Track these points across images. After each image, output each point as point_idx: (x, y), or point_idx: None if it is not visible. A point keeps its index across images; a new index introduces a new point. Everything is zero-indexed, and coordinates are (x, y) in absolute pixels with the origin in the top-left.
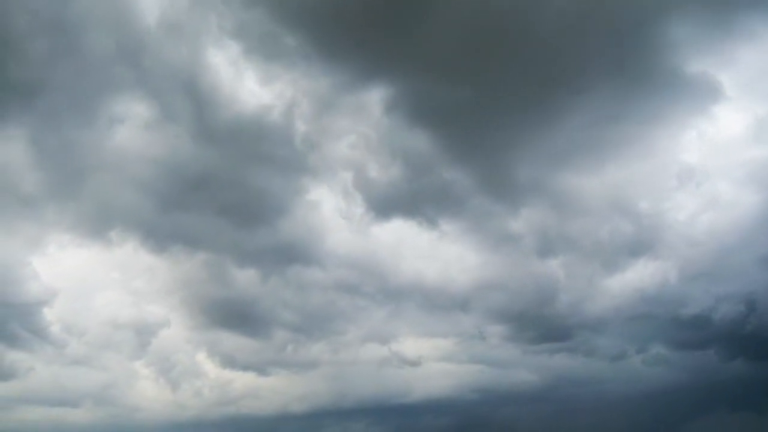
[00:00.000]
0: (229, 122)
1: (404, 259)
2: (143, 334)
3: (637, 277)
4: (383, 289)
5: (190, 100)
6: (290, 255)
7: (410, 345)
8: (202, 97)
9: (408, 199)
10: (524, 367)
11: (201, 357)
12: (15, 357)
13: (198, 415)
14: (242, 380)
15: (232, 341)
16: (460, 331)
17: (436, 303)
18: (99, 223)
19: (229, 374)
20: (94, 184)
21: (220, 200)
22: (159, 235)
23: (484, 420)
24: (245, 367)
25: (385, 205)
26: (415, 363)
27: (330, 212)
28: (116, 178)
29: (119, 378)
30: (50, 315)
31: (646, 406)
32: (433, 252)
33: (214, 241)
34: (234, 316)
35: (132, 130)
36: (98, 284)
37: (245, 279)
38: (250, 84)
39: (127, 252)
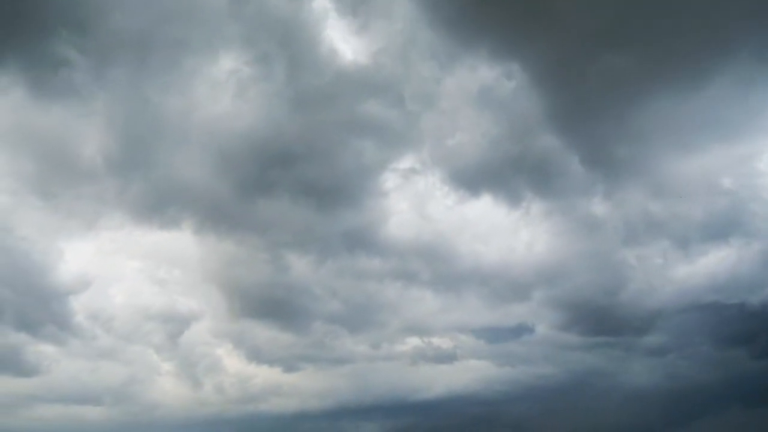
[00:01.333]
0: (326, 84)
1: (476, 241)
2: (174, 326)
3: (713, 263)
4: (443, 277)
5: (288, 57)
6: (355, 240)
7: (453, 338)
8: (301, 54)
9: (496, 171)
10: (553, 361)
11: (228, 351)
12: (39, 350)
13: (216, 413)
14: (265, 376)
15: (265, 334)
16: (510, 323)
17: (498, 291)
18: (158, 204)
19: (253, 369)
20: (163, 158)
21: (301, 179)
22: (222, 219)
23: (493, 417)
24: (272, 362)
25: (470, 178)
26: (450, 358)
27: (409, 189)
28: (192, 151)
29: (142, 373)
30: (78, 304)
31: (659, 402)
32: (509, 234)
33: (281, 226)
34: (275, 306)
35: (219, 93)
36: (137, 271)
37: (300, 267)
38: (349, 41)
39: (179, 236)
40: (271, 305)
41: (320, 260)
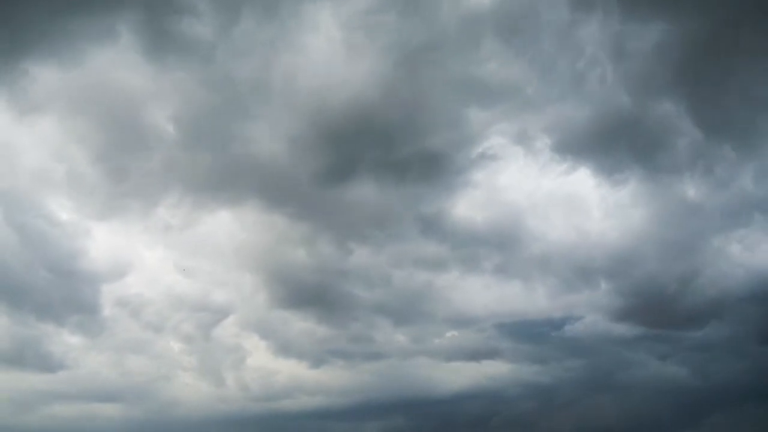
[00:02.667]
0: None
1: (557, 221)
2: (206, 317)
3: None
4: (511, 263)
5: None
6: (430, 223)
7: (494, 331)
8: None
9: (601, 140)
10: (587, 355)
11: (256, 344)
12: (65, 341)
13: (233, 411)
14: (290, 372)
15: (299, 326)
16: (565, 314)
17: (567, 278)
18: (225, 181)
19: (278, 364)
20: (247, 128)
21: (392, 156)
22: (292, 199)
23: (502, 413)
24: (300, 357)
25: (573, 149)
26: (481, 355)
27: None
28: (283, 121)
29: (166, 368)
30: (111, 292)
31: (675, 399)
32: (594, 213)
33: (356, 208)
34: (319, 296)
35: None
36: (178, 255)
37: (361, 253)
38: None
39: (235, 218)
40: (315, 294)
41: (384, 246)
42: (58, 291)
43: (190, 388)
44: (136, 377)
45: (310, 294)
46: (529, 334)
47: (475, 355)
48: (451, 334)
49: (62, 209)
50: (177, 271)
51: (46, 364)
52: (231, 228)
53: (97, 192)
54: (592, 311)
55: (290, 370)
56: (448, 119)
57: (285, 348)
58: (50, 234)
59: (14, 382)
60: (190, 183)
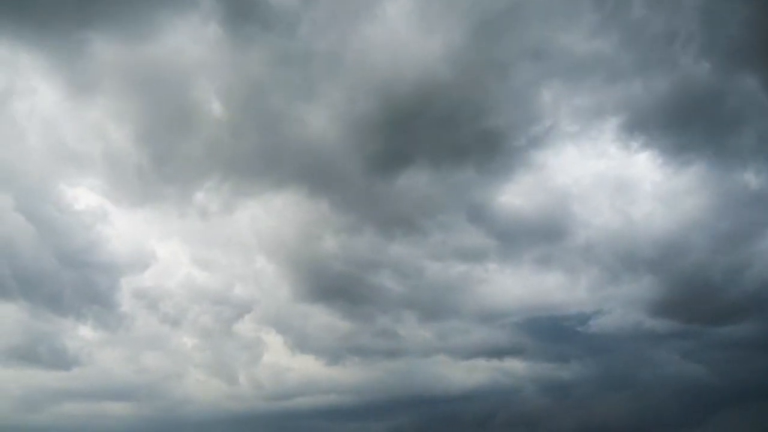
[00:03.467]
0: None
1: (609, 208)
2: (227, 311)
3: None
4: (554, 253)
5: None
6: (479, 211)
7: (517, 327)
8: None
9: (668, 116)
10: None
11: (273, 339)
12: (81, 336)
13: (243, 409)
14: (305, 369)
15: (321, 321)
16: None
17: (611, 268)
18: (266, 166)
19: (293, 361)
20: (296, 107)
21: (454, 141)
22: (338, 186)
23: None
24: (318, 353)
25: (640, 128)
26: (502, 351)
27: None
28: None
29: (180, 365)
30: (130, 285)
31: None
32: (651, 199)
33: (405, 197)
34: (346, 289)
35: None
36: (201, 245)
37: (400, 244)
38: None
39: (273, 204)
40: (343, 287)
41: (426, 236)
42: (75, 283)
43: (202, 386)
44: (150, 374)
45: (339, 287)
46: (554, 329)
47: (495, 352)
48: (476, 330)
49: (89, 194)
50: (202, 261)
51: (60, 360)
52: (268, 215)
53: (132, 175)
54: (628, 304)
55: (306, 368)
56: (517, 96)
57: (303, 344)
58: (70, 222)
59: (26, 379)
60: (233, 166)
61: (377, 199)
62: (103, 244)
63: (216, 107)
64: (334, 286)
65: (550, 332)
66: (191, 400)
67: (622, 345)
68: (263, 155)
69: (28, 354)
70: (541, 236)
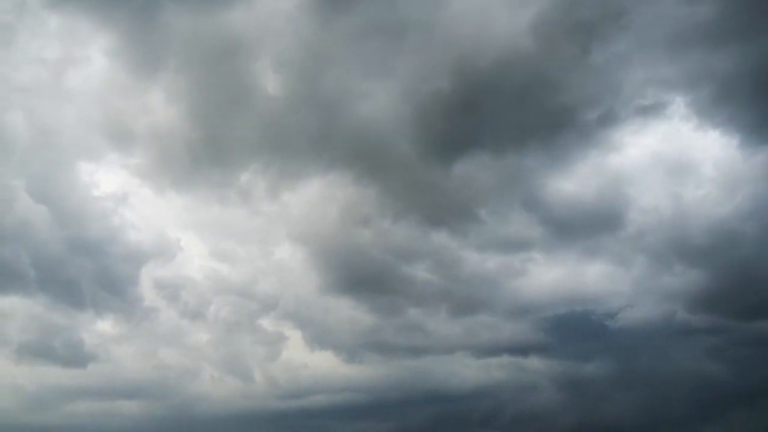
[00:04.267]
0: None
1: (669, 194)
2: (249, 304)
3: None
4: (601, 244)
5: None
6: (534, 200)
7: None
8: None
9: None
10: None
11: (292, 334)
12: (98, 330)
13: (256, 408)
14: (322, 367)
15: (345, 315)
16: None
17: (662, 258)
18: (318, 148)
19: (314, 358)
20: (362, 85)
21: (523, 119)
22: (389, 171)
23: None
24: (338, 349)
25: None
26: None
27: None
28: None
29: (198, 361)
30: (150, 276)
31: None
32: (711, 184)
33: (459, 184)
34: (378, 281)
35: None
36: (228, 232)
37: (441, 235)
38: None
39: (317, 191)
40: (374, 279)
41: (472, 226)
42: (94, 273)
43: (218, 383)
44: (166, 371)
45: (370, 278)
46: (582, 324)
47: (518, 349)
48: (504, 325)
49: (121, 173)
50: (229, 251)
51: (76, 356)
52: (309, 200)
53: (176, 155)
54: (667, 297)
55: (323, 365)
56: (597, 68)
57: (323, 340)
58: (92, 206)
59: (39, 376)
60: (281, 147)
61: (428, 187)
62: (126, 230)
63: (272, 83)
64: (364, 277)
65: (578, 328)
66: (205, 398)
67: (647, 340)
68: (314, 136)
69: (42, 350)
70: (593, 224)
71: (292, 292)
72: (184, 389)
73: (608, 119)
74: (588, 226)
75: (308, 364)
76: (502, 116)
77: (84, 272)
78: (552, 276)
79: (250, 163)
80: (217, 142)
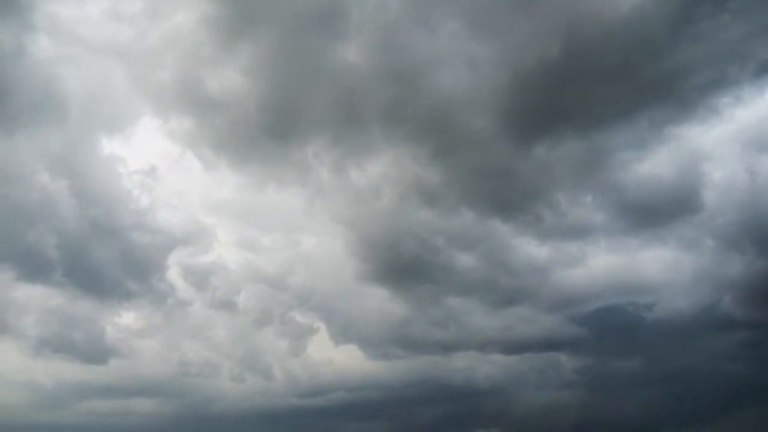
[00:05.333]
0: None
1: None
2: (283, 297)
3: None
4: (670, 231)
5: None
6: (602, 186)
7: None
8: None
9: None
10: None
11: (321, 328)
12: (122, 324)
13: (272, 405)
14: (343, 364)
15: (375, 306)
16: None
17: (729, 245)
18: (391, 121)
19: (336, 354)
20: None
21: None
22: (463, 156)
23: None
24: (364, 345)
25: None
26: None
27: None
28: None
29: (219, 357)
30: (183, 264)
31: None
32: None
33: (532, 167)
34: (421, 270)
35: None
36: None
37: (498, 224)
38: None
39: (381, 169)
40: (416, 266)
41: (537, 213)
42: (122, 259)
43: (236, 381)
44: (188, 367)
45: (413, 265)
46: (620, 318)
47: (549, 345)
48: (541, 320)
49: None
50: (269, 236)
51: (97, 352)
52: (372, 179)
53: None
54: (724, 287)
55: (346, 361)
56: (703, 35)
57: (350, 334)
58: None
59: (57, 372)
60: (354, 120)
61: (501, 170)
62: (158, 210)
63: (352, 50)
64: (407, 264)
65: (614, 321)
66: (222, 397)
67: (679, 334)
68: (390, 107)
69: (62, 344)
70: (666, 208)
71: (326, 282)
72: (204, 386)
73: (711, 86)
74: (659, 210)
75: (332, 360)
76: (599, 89)
77: (109, 258)
78: (608, 265)
79: (317, 136)
80: (286, 113)
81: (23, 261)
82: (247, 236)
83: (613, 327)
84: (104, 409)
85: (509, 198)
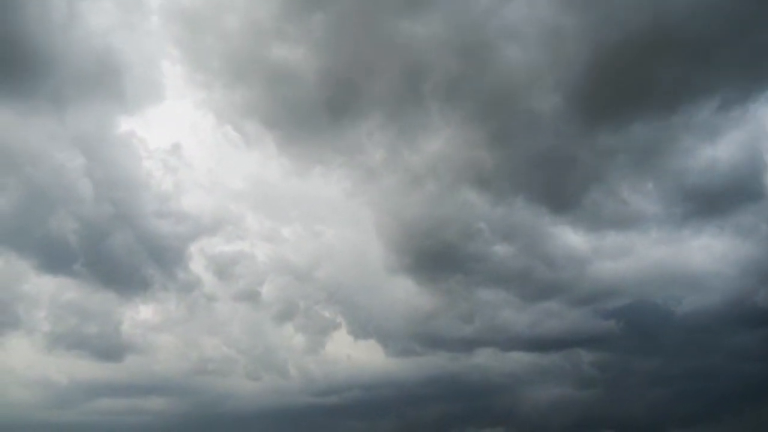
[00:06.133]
0: None
1: None
2: (308, 289)
3: None
4: (726, 221)
5: None
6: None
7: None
8: None
9: None
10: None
11: (341, 323)
12: (135, 317)
13: (287, 404)
14: (361, 362)
15: (404, 299)
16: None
17: None
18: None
19: (355, 350)
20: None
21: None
22: (522, 140)
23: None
24: (384, 341)
25: None
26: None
27: None
28: None
29: (239, 354)
30: (200, 255)
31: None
32: None
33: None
34: (454, 260)
35: None
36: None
37: (538, 211)
38: None
39: (434, 151)
40: (451, 256)
41: (586, 200)
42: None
43: (252, 378)
44: (206, 364)
45: (447, 256)
46: (649, 312)
47: (571, 342)
48: (569, 314)
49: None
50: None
51: (112, 348)
52: (420, 163)
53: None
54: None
55: (362, 359)
56: None
57: (369, 329)
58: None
59: (70, 368)
60: (411, 97)
61: (560, 155)
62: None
63: (421, 23)
64: (441, 254)
65: (643, 316)
66: (238, 395)
67: (705, 329)
68: (451, 85)
69: (79, 341)
70: (728, 196)
71: (354, 273)
72: (219, 384)
73: None
74: (720, 197)
75: (350, 356)
76: (677, 68)
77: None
78: (653, 256)
79: (373, 114)
80: (345, 88)
81: (43, 250)
82: (281, 224)
83: (640, 322)
84: (117, 407)
85: (563, 186)
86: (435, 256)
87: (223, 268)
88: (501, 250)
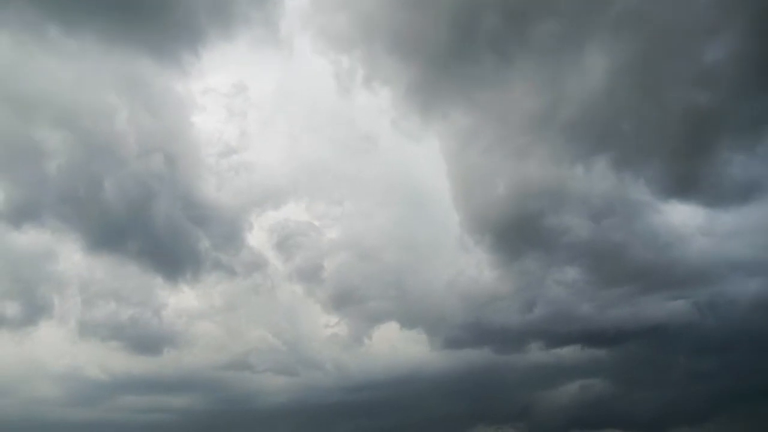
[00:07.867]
0: None
1: None
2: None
3: None
4: None
5: None
6: None
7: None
8: None
9: None
10: None
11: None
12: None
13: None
14: (400, 356)
15: (475, 279)
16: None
17: None
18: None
19: (400, 342)
20: None
21: None
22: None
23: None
24: (432, 334)
25: None
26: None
27: None
28: None
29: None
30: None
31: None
32: None
33: None
34: (530, 236)
35: None
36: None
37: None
38: None
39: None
40: (533, 235)
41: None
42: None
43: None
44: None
45: (529, 233)
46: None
47: (614, 338)
48: (639, 302)
49: None
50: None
51: (149, 340)
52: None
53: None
54: None
55: (407, 352)
56: None
57: (416, 317)
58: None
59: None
60: None
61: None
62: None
63: None
64: (523, 229)
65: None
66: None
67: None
68: None
69: (114, 333)
70: None
71: (420, 254)
72: (254, 379)
73: None
74: None
75: (396, 348)
76: None
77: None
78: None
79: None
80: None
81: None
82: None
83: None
84: (154, 403)
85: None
86: (517, 231)
87: (283, 247)
88: (590, 227)
